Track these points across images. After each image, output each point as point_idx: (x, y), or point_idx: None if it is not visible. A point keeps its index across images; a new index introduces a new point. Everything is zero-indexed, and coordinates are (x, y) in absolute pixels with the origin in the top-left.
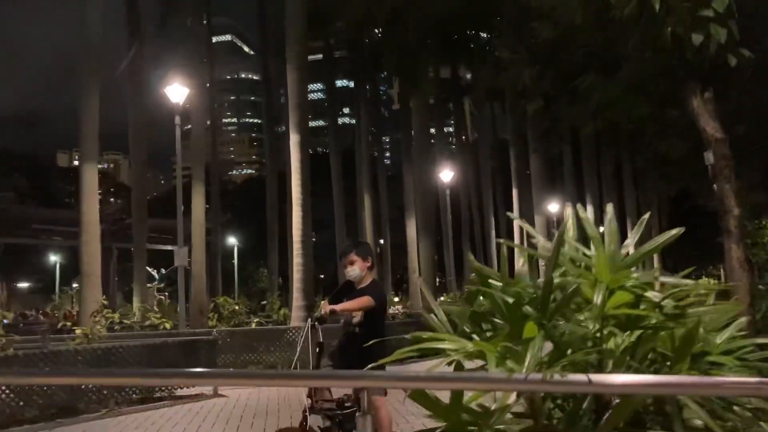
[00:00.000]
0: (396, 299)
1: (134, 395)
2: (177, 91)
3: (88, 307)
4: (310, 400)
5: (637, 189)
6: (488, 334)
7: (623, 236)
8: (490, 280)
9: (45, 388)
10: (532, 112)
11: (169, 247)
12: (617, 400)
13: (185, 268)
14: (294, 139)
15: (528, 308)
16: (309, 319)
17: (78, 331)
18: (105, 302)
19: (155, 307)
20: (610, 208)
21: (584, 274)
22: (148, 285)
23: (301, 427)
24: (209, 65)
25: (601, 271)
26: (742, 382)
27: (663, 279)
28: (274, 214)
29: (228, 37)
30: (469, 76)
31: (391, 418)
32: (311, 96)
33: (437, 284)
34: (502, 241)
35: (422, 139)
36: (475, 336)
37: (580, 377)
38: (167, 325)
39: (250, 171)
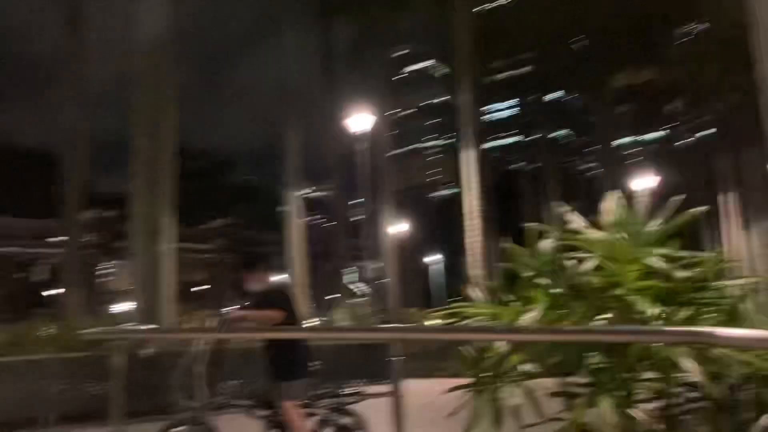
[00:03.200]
0: None
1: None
2: (360, 121)
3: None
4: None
5: None
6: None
7: None
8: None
9: None
10: None
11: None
12: None
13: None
14: (471, 156)
15: (543, 280)
16: (220, 314)
17: None
18: (309, 312)
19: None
20: (644, 194)
21: (595, 247)
22: (353, 300)
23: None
24: (397, 94)
25: (608, 248)
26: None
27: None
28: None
29: (428, 63)
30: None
31: (305, 425)
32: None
33: None
34: (531, 224)
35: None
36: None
37: (552, 328)
38: None
39: (456, 190)
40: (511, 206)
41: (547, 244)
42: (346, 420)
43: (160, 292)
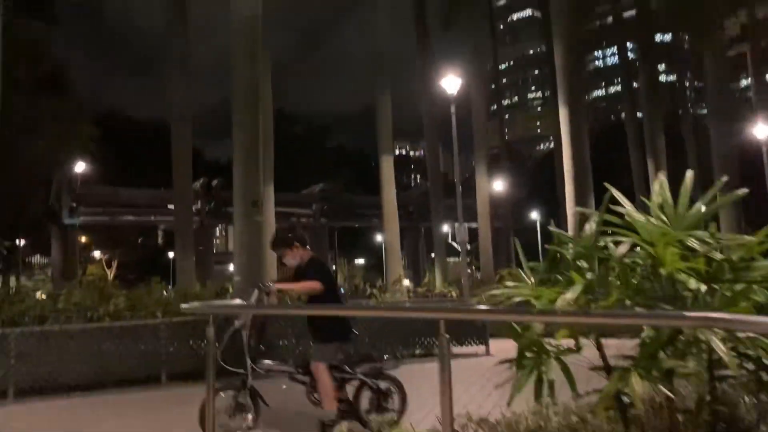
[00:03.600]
0: None
1: (417, 351)
2: (451, 83)
3: (391, 276)
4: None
5: None
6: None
7: None
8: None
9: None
10: None
11: (474, 225)
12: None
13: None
14: (563, 113)
15: (583, 263)
16: (259, 285)
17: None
18: (401, 273)
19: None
20: (688, 174)
21: (631, 235)
22: (454, 259)
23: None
24: (495, 47)
25: (647, 231)
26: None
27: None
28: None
29: (529, 12)
30: None
31: (330, 385)
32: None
33: None
34: (580, 209)
35: (720, 93)
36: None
37: (578, 311)
38: (453, 294)
39: (551, 146)
40: (613, 161)
41: (589, 227)
42: (383, 384)
43: (260, 255)
